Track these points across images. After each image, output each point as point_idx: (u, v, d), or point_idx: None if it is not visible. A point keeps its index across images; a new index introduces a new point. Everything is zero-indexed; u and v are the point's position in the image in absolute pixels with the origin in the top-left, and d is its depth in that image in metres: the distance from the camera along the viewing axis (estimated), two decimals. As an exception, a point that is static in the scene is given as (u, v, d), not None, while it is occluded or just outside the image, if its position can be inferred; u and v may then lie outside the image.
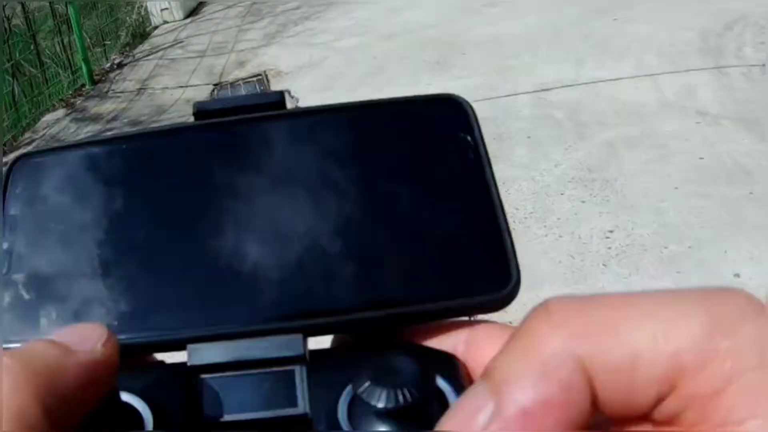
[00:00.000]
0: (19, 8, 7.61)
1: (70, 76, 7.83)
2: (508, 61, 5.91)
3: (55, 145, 0.48)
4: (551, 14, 6.98)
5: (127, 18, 9.46)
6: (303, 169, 0.44)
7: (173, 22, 9.73)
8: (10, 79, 7.08)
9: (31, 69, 7.51)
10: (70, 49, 8.14)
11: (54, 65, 7.92)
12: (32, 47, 7.60)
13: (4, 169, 0.46)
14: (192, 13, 10.08)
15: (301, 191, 0.44)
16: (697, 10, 6.68)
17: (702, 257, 3.32)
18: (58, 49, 8.04)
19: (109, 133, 0.51)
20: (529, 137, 4.64)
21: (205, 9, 10.23)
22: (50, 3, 8.02)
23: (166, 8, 9.76)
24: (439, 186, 0.43)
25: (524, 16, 6.99)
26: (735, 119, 4.60)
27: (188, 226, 0.44)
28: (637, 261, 3.36)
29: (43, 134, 6.67)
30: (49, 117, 7.12)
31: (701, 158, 4.14)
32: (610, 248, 3.50)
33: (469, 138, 0.45)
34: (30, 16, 7.72)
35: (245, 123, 0.46)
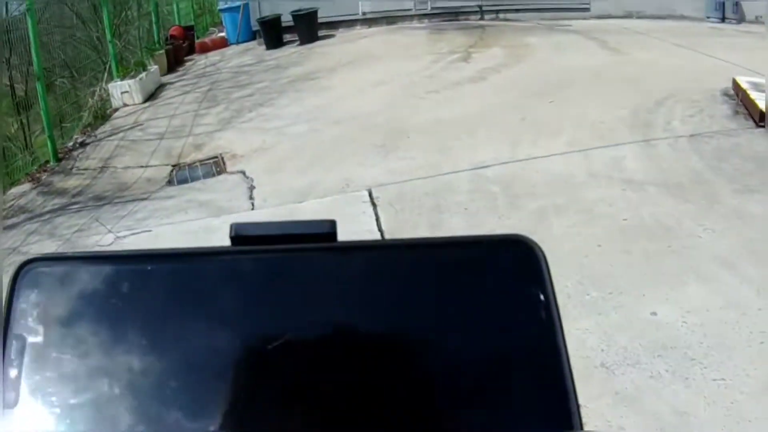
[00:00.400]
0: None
1: (27, 156, 8.07)
2: (448, 143, 6.18)
3: (68, 252, 0.45)
4: (490, 98, 7.36)
5: (89, 99, 9.77)
6: (364, 307, 0.42)
7: (133, 105, 10.13)
8: None
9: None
10: (29, 129, 8.43)
11: (11, 143, 8.19)
12: None
13: (9, 276, 0.43)
14: (150, 97, 10.48)
15: (366, 328, 0.42)
16: (632, 89, 7.10)
17: (621, 301, 3.51)
18: (13, 129, 8.31)
19: (135, 249, 0.45)
20: (466, 209, 4.85)
21: (163, 93, 10.64)
22: (10, 83, 8.33)
23: (126, 91, 10.18)
24: (503, 328, 0.42)
25: (465, 102, 7.36)
26: (659, 185, 4.87)
27: (224, 362, 0.41)
28: (561, 306, 3.51)
29: (11, 205, 6.86)
30: (15, 190, 7.33)
31: (624, 219, 4.37)
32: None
33: (537, 281, 0.44)
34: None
35: (290, 253, 0.43)
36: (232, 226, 0.45)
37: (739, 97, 6.44)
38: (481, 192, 5.10)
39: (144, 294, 0.42)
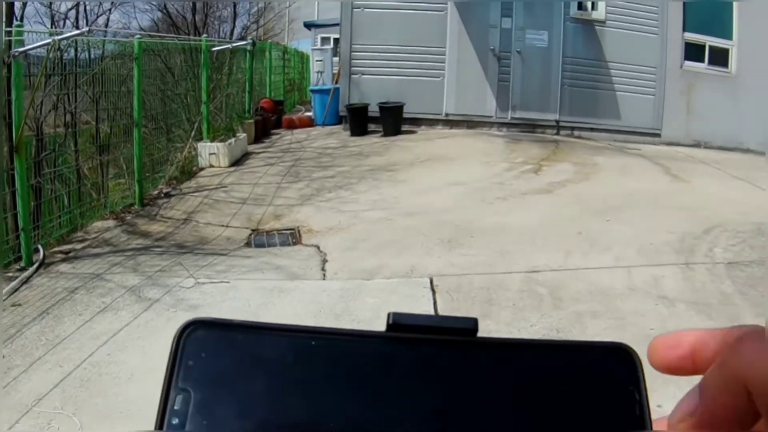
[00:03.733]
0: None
1: (102, 197, 8.69)
2: (508, 246, 6.86)
3: (231, 319, 0.47)
4: (553, 211, 8.04)
5: (178, 154, 10.50)
6: (484, 397, 0.46)
7: (218, 167, 10.86)
8: (58, 185, 7.96)
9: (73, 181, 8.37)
10: (106, 172, 9.04)
11: (87, 183, 8.74)
12: (74, 162, 8.51)
13: (176, 334, 0.46)
14: (236, 162, 11.21)
15: (481, 418, 0.45)
16: (684, 216, 7.70)
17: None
18: (85, 169, 8.84)
19: (295, 324, 0.49)
20: (513, 304, 5.51)
21: (248, 161, 11.42)
22: (96, 125, 8.90)
23: (214, 153, 10.94)
24: (606, 424, 0.46)
25: (529, 211, 8.06)
26: (689, 303, 5.46)
27: None
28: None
29: (96, 237, 7.52)
30: (100, 224, 8.01)
31: (651, 329, 4.97)
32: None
33: (635, 391, 0.47)
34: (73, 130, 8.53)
35: (438, 344, 0.47)
36: (389, 314, 0.47)
37: (782, 231, 7.00)
38: (529, 292, 5.74)
39: (304, 367, 0.45)
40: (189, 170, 10.65)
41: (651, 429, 0.45)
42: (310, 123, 15.54)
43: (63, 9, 18.39)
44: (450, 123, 14.00)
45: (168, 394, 0.44)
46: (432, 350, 0.47)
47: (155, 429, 0.43)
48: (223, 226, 8.07)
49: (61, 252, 6.99)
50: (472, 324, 0.47)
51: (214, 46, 12.92)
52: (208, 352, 0.45)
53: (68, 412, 3.99)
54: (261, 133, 13.88)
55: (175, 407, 0.43)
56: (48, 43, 7.05)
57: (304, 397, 0.44)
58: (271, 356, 0.45)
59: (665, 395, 0.61)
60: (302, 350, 0.46)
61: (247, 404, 0.44)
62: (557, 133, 13.72)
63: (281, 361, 0.45)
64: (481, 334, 0.49)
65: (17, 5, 12.92)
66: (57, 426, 3.85)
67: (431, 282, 5.97)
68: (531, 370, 0.47)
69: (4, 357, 4.65)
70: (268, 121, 14.69)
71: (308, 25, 23.13)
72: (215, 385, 0.44)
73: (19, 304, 5.55)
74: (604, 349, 0.49)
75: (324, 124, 15.06)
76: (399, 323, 0.47)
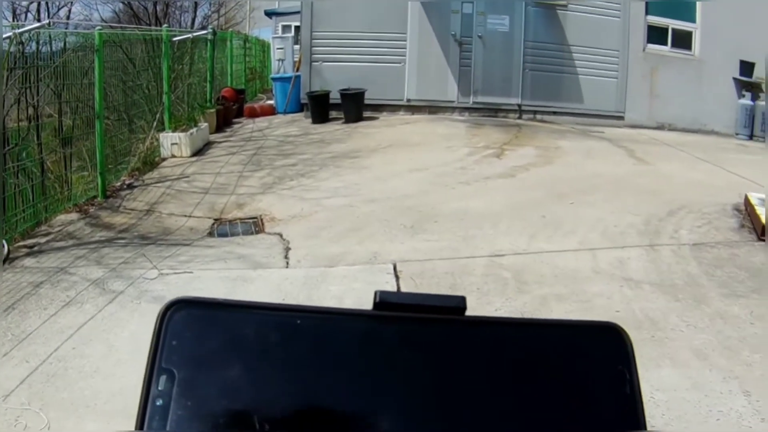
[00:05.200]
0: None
1: (65, 190, 8.55)
2: (471, 231, 6.74)
3: (215, 298, 0.46)
4: (516, 195, 7.94)
5: (140, 145, 10.38)
6: (474, 375, 0.46)
7: (181, 157, 10.76)
8: (22, 178, 7.79)
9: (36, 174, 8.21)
10: (69, 164, 8.90)
11: (50, 177, 8.61)
12: (38, 156, 8.35)
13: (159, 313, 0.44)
14: (198, 152, 11.10)
15: (471, 396, 0.45)
16: (648, 198, 7.64)
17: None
18: (48, 162, 8.70)
19: (279, 303, 0.59)
20: (478, 289, 5.38)
21: (210, 151, 11.30)
22: (59, 118, 8.77)
23: (176, 143, 10.84)
24: (590, 412, 0.46)
25: (492, 195, 7.95)
26: (654, 284, 5.37)
27: (360, 414, 0.44)
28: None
29: (60, 230, 7.39)
30: (63, 217, 7.88)
31: (617, 311, 4.88)
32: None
33: (625, 370, 0.47)
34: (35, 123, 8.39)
35: (426, 322, 0.46)
36: (376, 293, 0.47)
37: (747, 212, 6.94)
38: (494, 276, 5.63)
39: (288, 347, 0.44)
40: (151, 161, 10.51)
41: (642, 407, 0.45)
42: (271, 111, 15.42)
43: (24, 2, 18.00)
44: (412, 109, 13.92)
45: (152, 375, 0.42)
46: (419, 329, 0.46)
47: (139, 409, 0.42)
48: (185, 216, 7.96)
49: (25, 246, 6.83)
50: (460, 302, 0.47)
51: (175, 36, 12.70)
52: (192, 331, 0.44)
53: (35, 408, 3.93)
54: (223, 123, 13.75)
55: (159, 388, 0.42)
56: (9, 37, 6.81)
57: (289, 376, 0.43)
58: (256, 335, 0.44)
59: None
60: (287, 329, 0.45)
61: (231, 384, 0.42)
62: (519, 118, 13.64)
63: (266, 340, 0.44)
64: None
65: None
66: (24, 422, 3.79)
67: (395, 268, 5.84)
68: (520, 350, 0.47)
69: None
70: (230, 110, 14.55)
71: (269, 14, 22.94)
72: (199, 365, 0.43)
73: (-19, 300, 5.37)
74: (593, 328, 0.51)
75: (285, 112, 14.95)
76: (385, 301, 0.46)
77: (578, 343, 0.49)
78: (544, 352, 0.48)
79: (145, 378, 0.43)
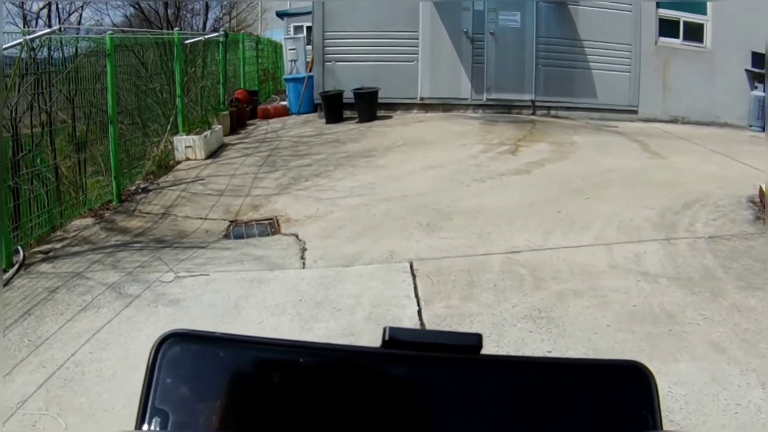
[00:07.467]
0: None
1: (80, 195, 8.59)
2: (487, 228, 6.77)
3: (212, 332, 0.44)
4: (531, 191, 7.96)
5: (154, 149, 10.40)
6: (489, 421, 0.44)
7: (195, 160, 10.78)
8: (36, 184, 7.85)
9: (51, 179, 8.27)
10: (84, 169, 8.94)
11: (65, 182, 8.65)
12: (52, 161, 8.40)
13: (153, 348, 0.42)
14: (212, 155, 11.13)
15: None
16: (663, 192, 7.65)
17: (616, 375, 4.02)
18: (64, 166, 8.73)
19: (281, 339, 0.46)
20: (495, 285, 5.41)
21: (224, 153, 11.33)
22: (72, 123, 8.81)
23: (190, 146, 10.85)
24: None
25: (507, 192, 7.97)
26: (671, 278, 5.39)
27: None
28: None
29: (75, 235, 7.43)
30: (78, 222, 7.93)
31: (634, 306, 4.90)
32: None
33: (648, 416, 0.46)
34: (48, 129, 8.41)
35: (438, 362, 0.44)
36: (385, 329, 0.44)
37: (762, 203, 6.94)
38: (510, 273, 5.66)
39: (291, 389, 0.41)
40: (166, 164, 10.54)
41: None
42: (285, 112, 15.46)
43: (35, 8, 18.15)
44: (425, 107, 13.92)
45: (144, 415, 0.40)
46: (431, 369, 0.43)
47: None
48: (201, 218, 7.99)
49: (40, 252, 6.87)
50: (476, 340, 0.44)
51: (186, 39, 12.76)
52: (188, 368, 0.41)
53: (53, 413, 3.95)
54: (236, 124, 13.78)
55: (153, 430, 0.39)
56: (20, 43, 6.88)
57: (292, 421, 0.40)
58: (256, 376, 0.41)
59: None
60: (290, 369, 0.41)
61: (230, 430, 0.39)
62: (533, 114, 13.64)
63: (267, 381, 0.41)
64: (471, 329, 0.53)
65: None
66: (42, 428, 3.81)
67: (411, 266, 5.87)
68: (537, 393, 0.43)
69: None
70: (243, 112, 14.59)
71: (281, 15, 23.02)
72: (195, 407, 0.40)
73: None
74: (616, 368, 0.47)
75: (299, 113, 14.98)
76: (395, 339, 0.43)
77: (600, 386, 0.46)
78: (563, 396, 0.45)
79: (137, 418, 0.40)
